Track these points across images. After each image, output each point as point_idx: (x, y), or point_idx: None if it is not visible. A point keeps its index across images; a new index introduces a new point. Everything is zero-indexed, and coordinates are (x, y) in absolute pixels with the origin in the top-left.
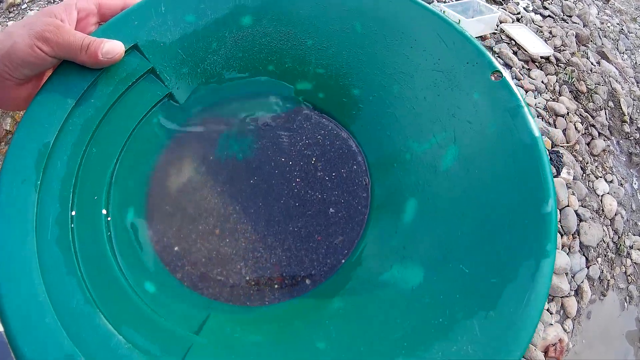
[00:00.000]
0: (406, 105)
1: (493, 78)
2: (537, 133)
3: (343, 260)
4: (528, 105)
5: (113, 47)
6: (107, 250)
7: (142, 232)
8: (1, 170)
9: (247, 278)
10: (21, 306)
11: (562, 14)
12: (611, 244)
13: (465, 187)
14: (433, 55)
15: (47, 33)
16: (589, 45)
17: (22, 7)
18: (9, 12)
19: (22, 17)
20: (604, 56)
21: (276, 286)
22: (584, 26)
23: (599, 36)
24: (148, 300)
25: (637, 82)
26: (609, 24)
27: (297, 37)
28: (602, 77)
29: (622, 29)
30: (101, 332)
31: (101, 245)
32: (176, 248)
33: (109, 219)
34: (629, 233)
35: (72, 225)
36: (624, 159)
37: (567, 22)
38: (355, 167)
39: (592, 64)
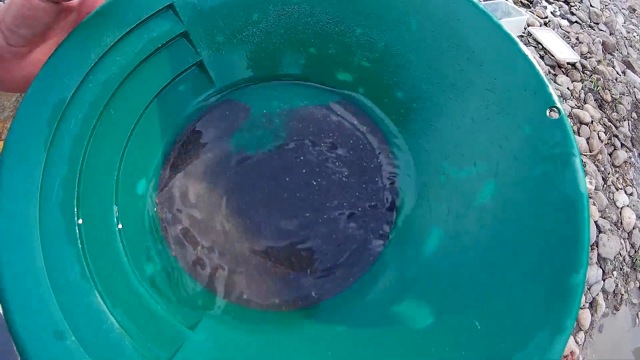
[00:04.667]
0: (451, 122)
1: (549, 115)
2: (583, 189)
3: (354, 279)
4: (580, 154)
5: None
6: (112, 223)
7: (151, 207)
8: (12, 122)
9: (250, 279)
10: (17, 271)
11: (589, 20)
12: (627, 258)
13: (494, 231)
14: (490, 73)
15: None
16: (615, 54)
17: None
18: None
19: None
20: (629, 66)
21: (279, 293)
22: (610, 34)
23: (625, 45)
24: (146, 283)
25: None
26: (634, 34)
27: (346, 23)
28: (626, 87)
29: None
30: (94, 311)
31: (106, 217)
32: (182, 232)
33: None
34: None
35: (79, 190)
36: None
37: (594, 29)
38: (385, 179)
39: (617, 73)
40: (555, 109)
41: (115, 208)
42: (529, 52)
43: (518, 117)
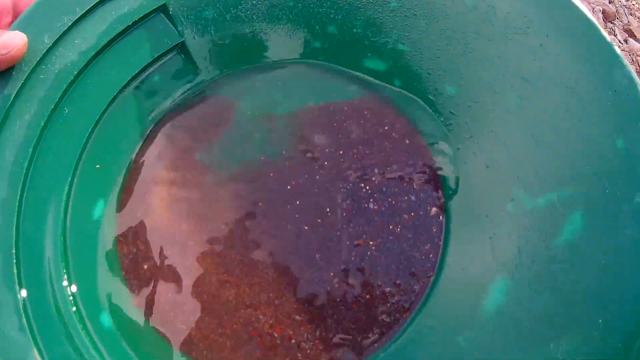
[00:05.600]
0: (523, 130)
1: None
2: None
3: (374, 352)
4: None
5: (10, 40)
6: (58, 260)
7: (109, 238)
8: None
9: (234, 338)
10: None
11: None
12: None
13: (589, 281)
14: (568, 66)
15: None
16: (616, 23)
17: None
18: None
19: None
20: (631, 34)
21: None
22: (609, 2)
23: (625, 14)
24: (102, 340)
25: None
26: (634, 2)
27: None
28: (629, 55)
29: None
30: None
31: (53, 251)
32: (148, 273)
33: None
34: None
35: (19, 216)
36: None
37: None
38: (427, 208)
39: (619, 41)
40: None
41: (63, 237)
42: (612, 41)
43: (607, 125)
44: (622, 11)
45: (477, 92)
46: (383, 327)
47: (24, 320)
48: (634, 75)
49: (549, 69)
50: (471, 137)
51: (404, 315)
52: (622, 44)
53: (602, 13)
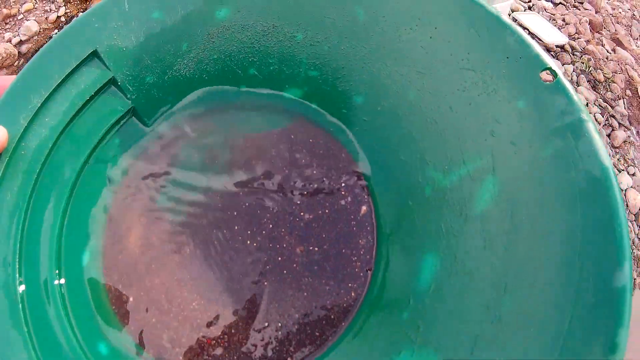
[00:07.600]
0: (426, 118)
1: (543, 79)
2: (606, 161)
3: (332, 339)
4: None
5: None
6: (57, 301)
7: (99, 279)
8: None
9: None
10: None
11: (573, 0)
12: (637, 241)
13: (507, 242)
14: (461, 47)
15: None
16: (603, 32)
17: (19, 17)
18: (5, 23)
19: (19, 29)
20: (618, 43)
21: None
22: (596, 12)
23: (612, 22)
24: None
25: None
26: (620, 10)
27: (284, 31)
28: (618, 64)
29: (634, 15)
30: None
31: (51, 295)
32: (133, 305)
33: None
34: None
35: (20, 270)
36: None
37: (579, 9)
38: (356, 212)
39: (607, 51)
40: (548, 71)
41: (60, 284)
42: (499, 12)
43: (506, 91)
44: (609, 20)
45: (381, 96)
46: (331, 317)
47: (34, 355)
48: (525, 36)
49: (442, 56)
50: (383, 136)
51: (358, 291)
52: (609, 53)
53: (589, 24)
